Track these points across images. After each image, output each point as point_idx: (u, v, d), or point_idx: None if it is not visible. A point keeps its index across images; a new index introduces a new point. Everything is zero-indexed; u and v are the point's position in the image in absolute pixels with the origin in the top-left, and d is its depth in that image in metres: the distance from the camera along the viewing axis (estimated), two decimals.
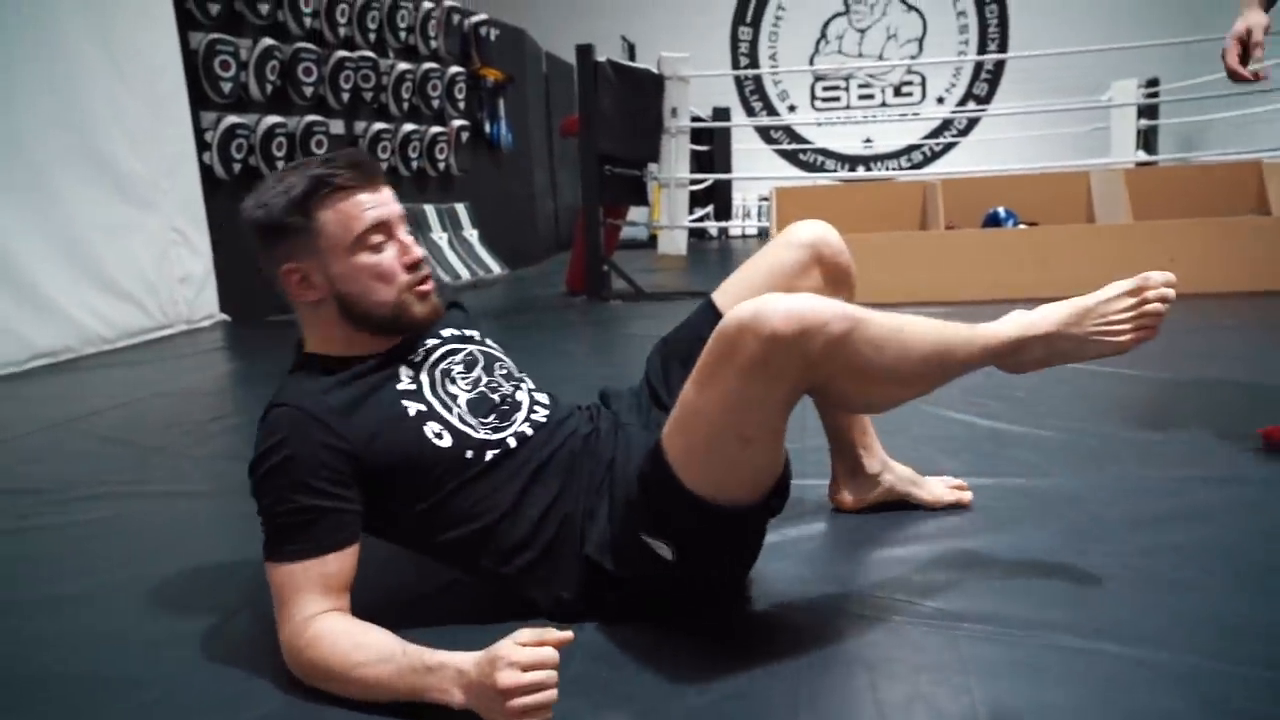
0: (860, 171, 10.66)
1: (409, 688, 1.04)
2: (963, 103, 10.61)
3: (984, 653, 1.14)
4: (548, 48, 8.81)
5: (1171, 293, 1.25)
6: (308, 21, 5.33)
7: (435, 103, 6.50)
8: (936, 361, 1.16)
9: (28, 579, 1.61)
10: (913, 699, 1.06)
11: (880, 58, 10.64)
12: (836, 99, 10.99)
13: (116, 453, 2.39)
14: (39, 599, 1.50)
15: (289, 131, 5.12)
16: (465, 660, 1.02)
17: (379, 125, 5.94)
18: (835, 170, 10.76)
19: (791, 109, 11.03)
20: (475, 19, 6.96)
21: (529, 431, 1.30)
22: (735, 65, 10.84)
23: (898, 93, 10.84)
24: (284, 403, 1.20)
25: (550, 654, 0.97)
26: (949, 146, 10.55)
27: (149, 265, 4.36)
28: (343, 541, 1.16)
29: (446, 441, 1.24)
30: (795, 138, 10.99)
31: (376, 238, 1.23)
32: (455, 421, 1.26)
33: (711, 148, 7.97)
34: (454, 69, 6.69)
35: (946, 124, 10.61)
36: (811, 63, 10.78)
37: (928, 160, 10.68)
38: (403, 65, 6.13)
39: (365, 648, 1.08)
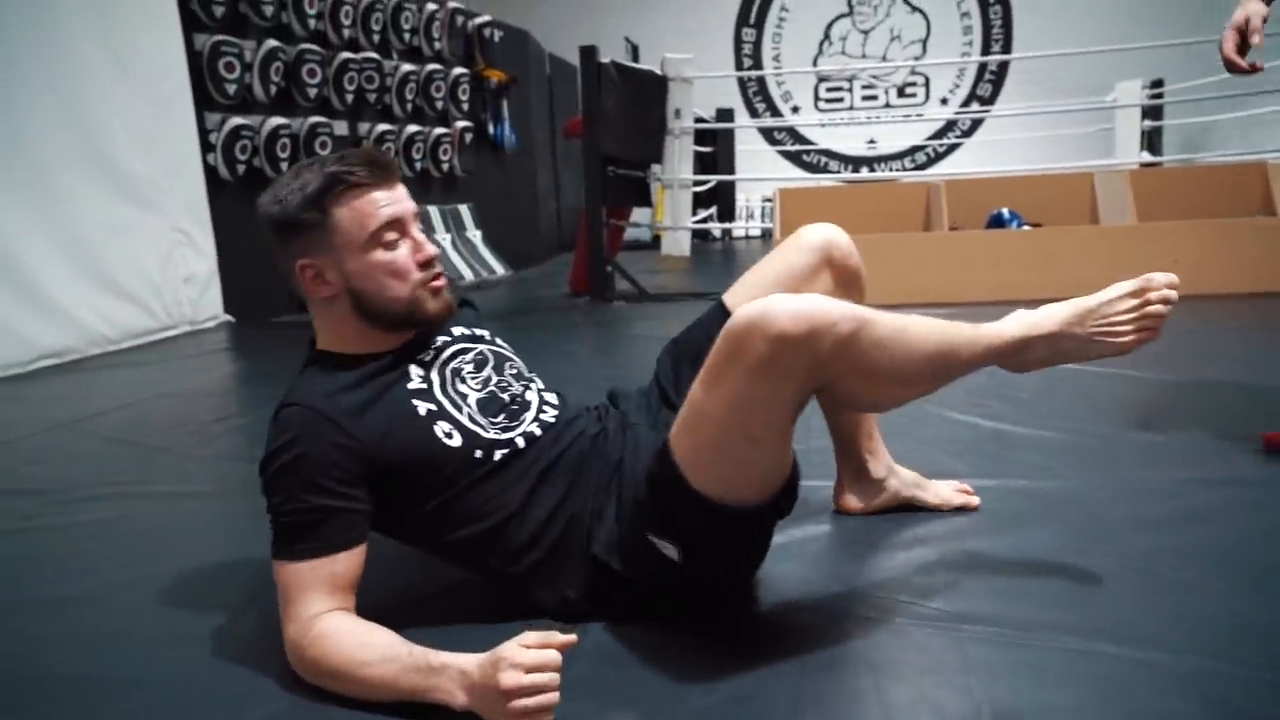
0: (864, 173, 10.66)
1: (412, 687, 1.04)
2: (966, 104, 10.60)
3: (988, 654, 1.14)
4: (551, 49, 8.82)
5: (1174, 294, 1.26)
6: (312, 23, 5.34)
7: (439, 104, 6.51)
8: (941, 361, 1.17)
9: (32, 579, 1.62)
10: (917, 700, 1.06)
11: (884, 59, 10.64)
12: (840, 100, 10.99)
13: (120, 453, 2.40)
14: (43, 599, 1.50)
15: (293, 133, 5.13)
16: (469, 661, 1.02)
17: (383, 126, 5.95)
18: (839, 171, 10.75)
19: (795, 110, 11.02)
20: (479, 20, 6.97)
21: (537, 432, 1.31)
22: (739, 66, 10.84)
23: (901, 94, 10.83)
24: (295, 402, 1.20)
25: (553, 656, 0.98)
26: (953, 148, 10.54)
27: (153, 266, 4.37)
28: (351, 541, 1.17)
29: (456, 441, 1.24)
30: (799, 139, 10.99)
31: (390, 235, 1.23)
32: (465, 421, 1.26)
33: (715, 149, 7.97)
34: (458, 70, 6.70)
35: (950, 125, 10.60)
36: (815, 64, 10.77)
37: (931, 161, 10.67)
38: (407, 66, 6.14)
39: (370, 647, 1.08)
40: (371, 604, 1.18)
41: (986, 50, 10.42)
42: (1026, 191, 4.88)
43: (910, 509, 1.63)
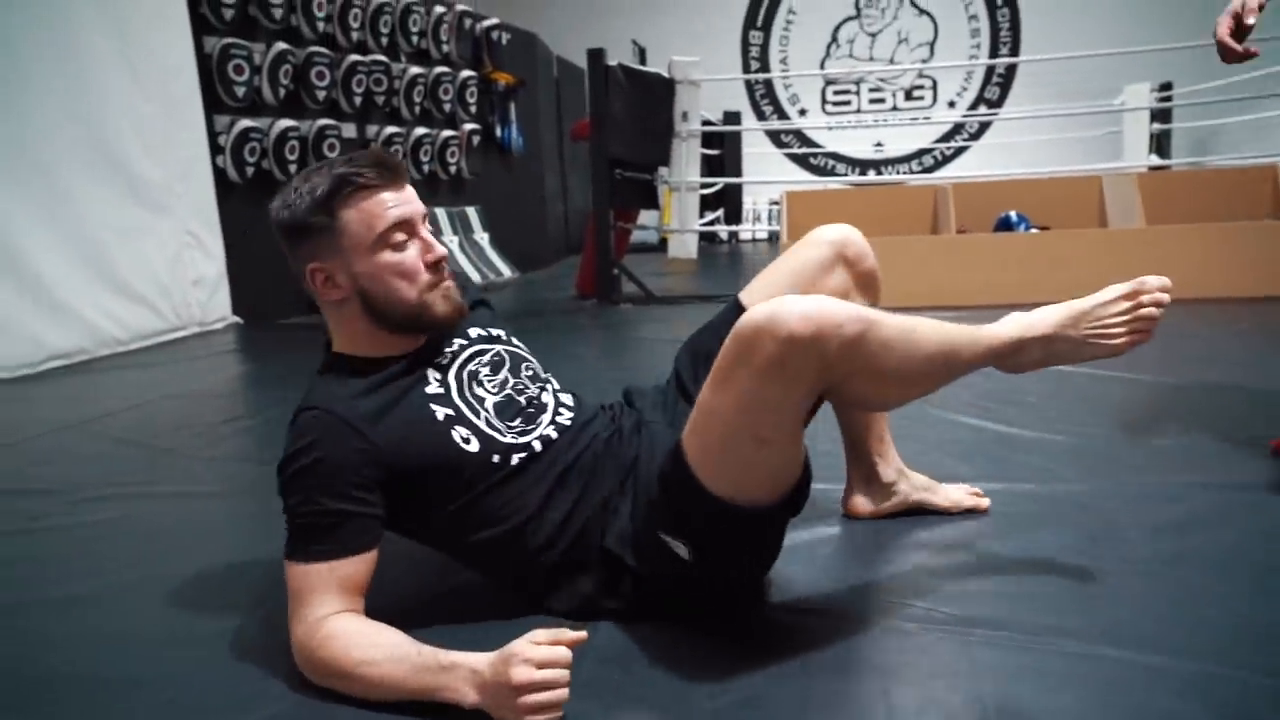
0: (871, 175, 10.65)
1: (421, 686, 1.05)
2: (974, 107, 10.59)
3: (996, 658, 1.14)
4: (559, 52, 8.83)
5: (1166, 297, 1.26)
6: (321, 26, 5.36)
7: (447, 106, 6.52)
8: (943, 361, 1.18)
9: (38, 579, 1.62)
10: (925, 704, 1.06)
11: (891, 61, 10.63)
12: (847, 103, 10.99)
13: (128, 454, 2.40)
14: (49, 599, 1.50)
15: (302, 135, 5.14)
16: (479, 660, 1.03)
17: (391, 129, 5.96)
18: (846, 174, 10.74)
19: (802, 113, 11.02)
20: (487, 23, 6.98)
21: (554, 435, 1.31)
22: (746, 69, 10.85)
23: (909, 97, 10.83)
24: (316, 406, 1.20)
25: (564, 653, 0.99)
26: (960, 150, 10.53)
27: (162, 268, 4.39)
28: (365, 545, 1.17)
29: (474, 446, 1.24)
30: (806, 141, 10.99)
31: (399, 236, 1.23)
32: (483, 425, 1.27)
33: (722, 151, 7.97)
34: (466, 73, 6.72)
35: (958, 128, 10.59)
36: (822, 67, 10.77)
37: (939, 164, 10.66)
38: (415, 69, 6.15)
39: (378, 647, 1.09)
40: (381, 605, 1.19)
41: (994, 53, 10.41)
42: (1034, 194, 4.87)
43: (919, 512, 1.63)
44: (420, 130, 6.22)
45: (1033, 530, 1.55)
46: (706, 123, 6.47)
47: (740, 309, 1.44)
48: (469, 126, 6.73)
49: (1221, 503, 1.63)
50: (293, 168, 5.00)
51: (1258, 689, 1.05)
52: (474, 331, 1.39)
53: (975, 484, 1.69)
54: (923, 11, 10.59)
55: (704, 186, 6.29)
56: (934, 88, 10.76)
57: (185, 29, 4.55)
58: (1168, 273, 1.29)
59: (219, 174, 4.77)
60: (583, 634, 1.02)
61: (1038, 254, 4.22)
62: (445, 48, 6.54)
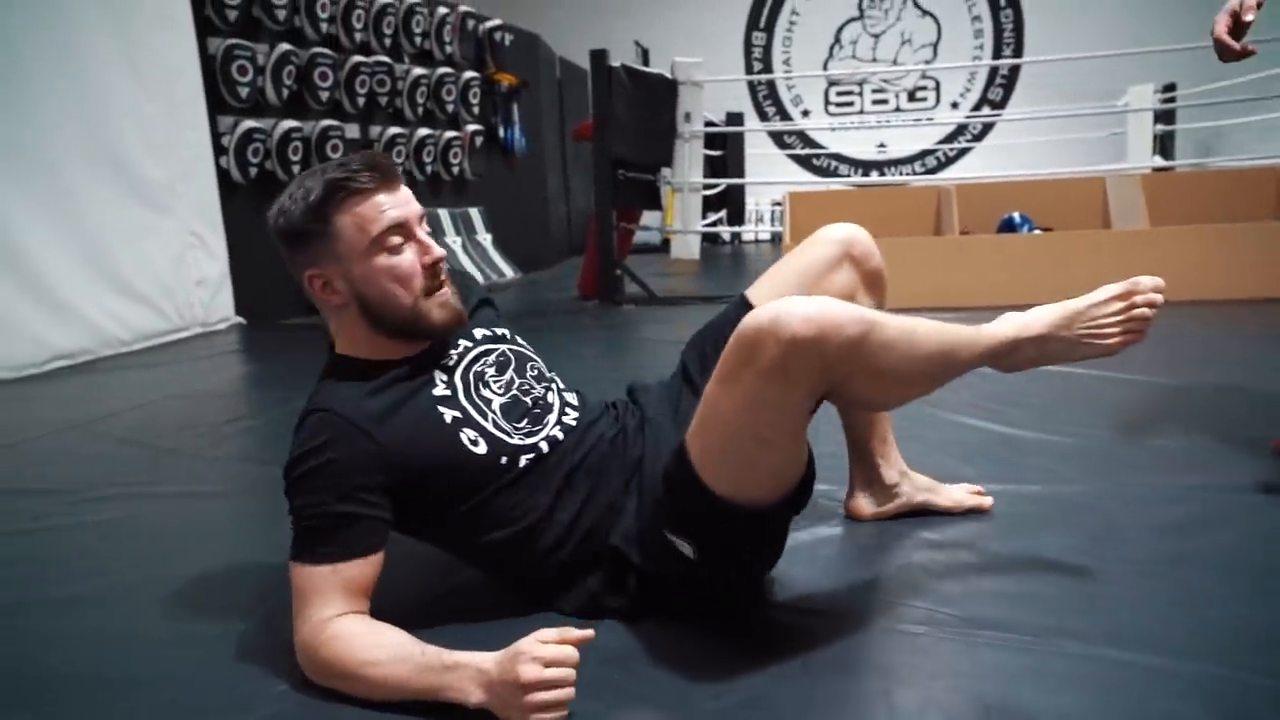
0: (874, 176, 10.64)
1: (426, 686, 1.05)
2: (977, 108, 10.59)
3: (998, 659, 1.14)
4: (562, 53, 8.84)
5: (1159, 297, 1.27)
6: (324, 27, 5.37)
7: (450, 107, 6.53)
8: (942, 362, 1.19)
9: (40, 579, 1.62)
10: (927, 705, 1.06)
11: (894, 62, 10.62)
12: (850, 104, 10.98)
13: (131, 454, 2.41)
14: (51, 599, 1.51)
15: (305, 136, 5.15)
16: (484, 658, 1.03)
17: (394, 130, 5.97)
18: (849, 175, 10.74)
19: (805, 114, 11.02)
20: (490, 24, 6.99)
21: (560, 435, 1.31)
22: (749, 70, 10.84)
23: (912, 98, 10.82)
24: (326, 408, 1.20)
25: (571, 652, 1.00)
26: (963, 151, 10.52)
27: (165, 268, 4.40)
28: (371, 548, 1.17)
29: (482, 449, 1.24)
30: (809, 142, 10.98)
31: (394, 239, 1.22)
32: (490, 427, 1.27)
33: (725, 152, 7.97)
34: (468, 74, 6.72)
35: (961, 129, 10.58)
36: (825, 67, 10.76)
37: (942, 165, 10.65)
38: (418, 70, 6.16)
39: (382, 647, 1.09)
40: (385, 605, 1.19)
41: (998, 54, 10.40)
42: (1038, 195, 4.86)
43: (922, 513, 1.63)
44: (423, 131, 6.23)
45: (1034, 531, 1.55)
46: (709, 123, 6.47)
47: (746, 306, 1.45)
48: (472, 127, 6.74)
49: (1222, 504, 1.63)
50: (296, 168, 5.01)
51: (1258, 690, 1.05)
52: (479, 332, 1.39)
53: (981, 485, 1.69)
54: (926, 12, 10.58)
55: (706, 187, 6.30)
56: (937, 89, 10.75)
57: (189, 30, 4.56)
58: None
59: (222, 175, 4.78)
60: (589, 633, 1.02)
61: (1041, 255, 4.21)
62: (448, 49, 6.55)
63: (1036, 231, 4.56)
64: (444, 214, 6.35)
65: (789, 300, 1.07)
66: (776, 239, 9.49)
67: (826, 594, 1.37)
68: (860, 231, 1.49)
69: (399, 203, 1.23)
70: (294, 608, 1.15)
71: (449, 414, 1.25)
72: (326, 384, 1.26)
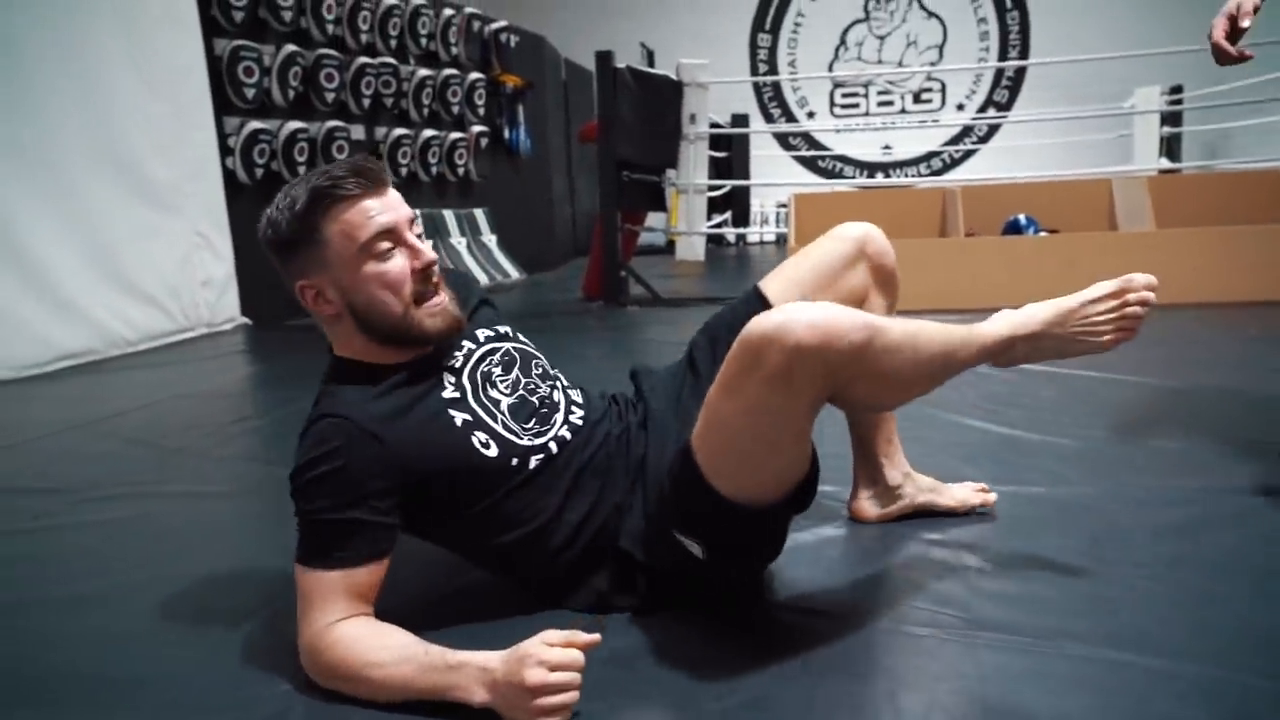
0: (879, 178, 10.63)
1: (431, 686, 1.05)
2: (983, 109, 10.57)
3: (1001, 661, 1.14)
4: (567, 54, 8.84)
5: (1152, 295, 1.29)
6: (330, 28, 5.38)
7: (455, 109, 6.54)
8: (941, 363, 1.20)
9: (44, 579, 1.62)
10: (930, 707, 1.06)
11: (900, 64, 10.61)
12: (856, 105, 10.97)
13: (137, 454, 2.41)
14: (54, 599, 1.51)
15: (311, 137, 5.16)
16: (490, 659, 1.03)
17: (399, 131, 5.98)
18: (854, 177, 10.73)
19: (810, 115, 11.01)
20: (495, 25, 7.00)
21: (568, 435, 1.31)
22: (754, 72, 10.84)
23: (917, 99, 10.81)
24: (333, 413, 1.19)
25: (577, 656, 1.00)
26: (969, 153, 10.51)
27: (172, 269, 4.41)
28: (378, 553, 1.17)
29: (493, 451, 1.24)
30: (814, 144, 10.98)
31: (383, 245, 1.20)
32: (500, 429, 1.26)
33: (730, 154, 7.96)
34: (474, 75, 6.73)
35: (967, 131, 10.57)
36: (831, 69, 10.76)
37: (947, 167, 10.63)
38: (423, 71, 6.17)
39: (386, 648, 1.09)
40: (390, 605, 1.19)
41: (1003, 56, 10.38)
42: (1044, 197, 4.86)
43: (925, 514, 1.63)
44: (428, 132, 6.24)
45: (1036, 532, 1.55)
46: (714, 125, 6.47)
47: (759, 298, 1.46)
48: (477, 128, 6.75)
49: (1223, 506, 1.63)
50: (301, 169, 5.02)
51: (1258, 692, 1.05)
52: (481, 333, 1.39)
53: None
54: (931, 14, 10.57)
55: (712, 189, 6.29)
56: (943, 90, 10.74)
57: (195, 31, 4.57)
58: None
59: (228, 175, 4.79)
60: (596, 636, 1.02)
61: (1047, 257, 4.20)
62: (454, 50, 6.56)
63: (1042, 233, 4.55)
64: (449, 215, 6.36)
65: (793, 307, 1.07)
66: (781, 241, 9.50)
67: (830, 595, 1.37)
68: (875, 230, 1.50)
69: (387, 207, 1.20)
70: (299, 611, 1.15)
71: (460, 417, 1.25)
72: (332, 388, 1.25)
